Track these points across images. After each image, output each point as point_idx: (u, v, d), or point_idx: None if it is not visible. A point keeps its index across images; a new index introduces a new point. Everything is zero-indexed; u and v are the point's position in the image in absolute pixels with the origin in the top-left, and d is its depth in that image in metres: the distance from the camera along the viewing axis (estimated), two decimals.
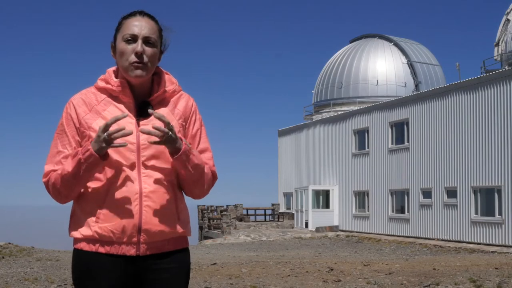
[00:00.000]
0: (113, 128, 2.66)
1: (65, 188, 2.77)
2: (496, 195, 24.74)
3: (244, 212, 40.12)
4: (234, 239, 31.69)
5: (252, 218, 40.80)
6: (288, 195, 41.69)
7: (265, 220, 40.77)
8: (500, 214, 24.51)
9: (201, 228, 40.75)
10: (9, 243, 22.34)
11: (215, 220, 38.59)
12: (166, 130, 2.67)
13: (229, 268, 15.55)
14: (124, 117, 2.69)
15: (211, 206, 41.18)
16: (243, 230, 35.24)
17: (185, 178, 2.83)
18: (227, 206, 37.28)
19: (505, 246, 23.58)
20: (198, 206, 42.34)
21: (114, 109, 2.83)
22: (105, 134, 2.65)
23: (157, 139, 2.69)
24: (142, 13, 2.86)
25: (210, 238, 35.57)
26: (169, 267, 2.84)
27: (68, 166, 2.73)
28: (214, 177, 2.97)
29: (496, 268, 15.01)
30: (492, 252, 22.35)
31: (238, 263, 16.85)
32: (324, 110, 42.01)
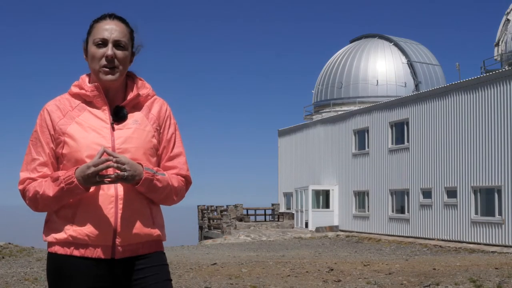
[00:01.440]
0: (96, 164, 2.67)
1: (43, 206, 2.80)
2: (496, 195, 24.74)
3: (244, 212, 40.12)
4: (234, 239, 31.69)
5: (252, 218, 40.82)
6: (288, 195, 41.70)
7: (265, 220, 40.78)
8: (500, 214, 24.52)
9: (201, 228, 40.76)
10: (9, 243, 22.33)
11: (215, 220, 38.60)
12: (122, 174, 2.67)
13: (229, 268, 15.55)
14: (104, 161, 2.67)
15: (211, 206, 41.20)
16: (243, 230, 35.24)
17: (152, 199, 2.85)
18: (227, 206, 37.30)
19: (505, 246, 23.57)
20: (198, 206, 42.37)
21: (88, 115, 2.84)
22: (97, 177, 2.66)
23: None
24: (112, 16, 2.88)
25: (210, 238, 35.57)
26: (145, 267, 2.83)
27: (49, 190, 2.73)
28: (187, 183, 2.98)
29: (496, 268, 15.02)
30: (492, 252, 22.35)
31: (238, 263, 16.85)
32: (324, 110, 42.02)
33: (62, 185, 2.70)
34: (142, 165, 2.75)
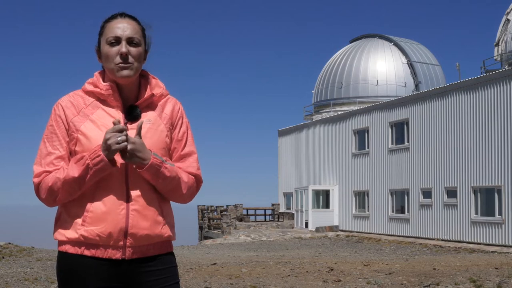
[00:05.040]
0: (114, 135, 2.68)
1: (65, 193, 2.76)
2: (496, 195, 24.75)
3: (244, 212, 40.15)
4: (234, 239, 31.69)
5: (252, 218, 40.86)
6: (288, 195, 41.70)
7: (265, 220, 40.80)
8: (500, 214, 24.52)
9: (201, 228, 40.76)
10: (9, 243, 22.31)
11: (215, 220, 38.60)
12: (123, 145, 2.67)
13: (229, 268, 15.56)
14: (122, 129, 2.69)
15: (211, 206, 41.20)
16: (243, 230, 35.25)
17: (158, 188, 2.83)
18: (227, 206, 37.30)
19: (505, 246, 23.58)
20: (198, 206, 42.37)
21: (102, 113, 2.83)
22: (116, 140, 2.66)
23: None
24: (123, 15, 2.88)
25: (210, 238, 35.58)
26: (155, 269, 2.83)
27: (73, 171, 2.71)
28: (198, 181, 2.96)
29: (496, 268, 15.02)
30: (492, 252, 22.36)
31: (238, 263, 16.85)
32: (324, 110, 42.02)
33: (88, 161, 2.69)
34: (151, 151, 2.75)
